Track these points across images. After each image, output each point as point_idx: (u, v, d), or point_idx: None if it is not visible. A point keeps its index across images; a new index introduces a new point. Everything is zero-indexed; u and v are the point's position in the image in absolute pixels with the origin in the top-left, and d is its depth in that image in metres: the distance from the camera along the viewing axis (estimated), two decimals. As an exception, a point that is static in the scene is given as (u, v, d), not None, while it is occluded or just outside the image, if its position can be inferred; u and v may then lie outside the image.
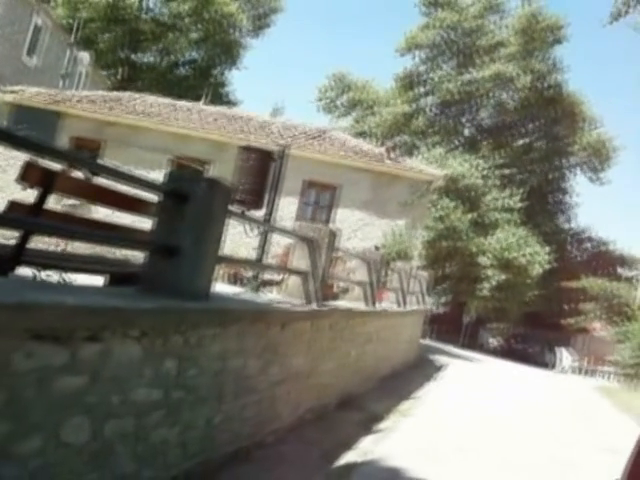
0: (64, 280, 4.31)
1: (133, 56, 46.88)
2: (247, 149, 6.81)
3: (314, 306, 7.00)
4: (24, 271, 4.14)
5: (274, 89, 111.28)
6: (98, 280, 5.24)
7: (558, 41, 44.10)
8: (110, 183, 4.21)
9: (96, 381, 3.39)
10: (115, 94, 24.50)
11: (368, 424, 7.83)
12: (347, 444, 6.67)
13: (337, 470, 5.78)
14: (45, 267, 4.30)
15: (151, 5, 46.66)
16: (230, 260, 7.64)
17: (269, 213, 7.16)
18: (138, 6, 45.15)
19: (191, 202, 4.33)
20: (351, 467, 5.87)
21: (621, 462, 7.90)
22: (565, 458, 8.04)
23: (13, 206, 3.75)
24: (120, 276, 5.31)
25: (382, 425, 7.96)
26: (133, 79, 45.19)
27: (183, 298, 4.27)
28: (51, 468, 3.17)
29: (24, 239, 3.75)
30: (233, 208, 5.55)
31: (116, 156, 20.03)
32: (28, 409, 2.97)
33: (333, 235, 7.36)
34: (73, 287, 3.96)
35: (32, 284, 3.76)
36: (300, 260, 7.13)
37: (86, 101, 21.71)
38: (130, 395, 3.73)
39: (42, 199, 3.77)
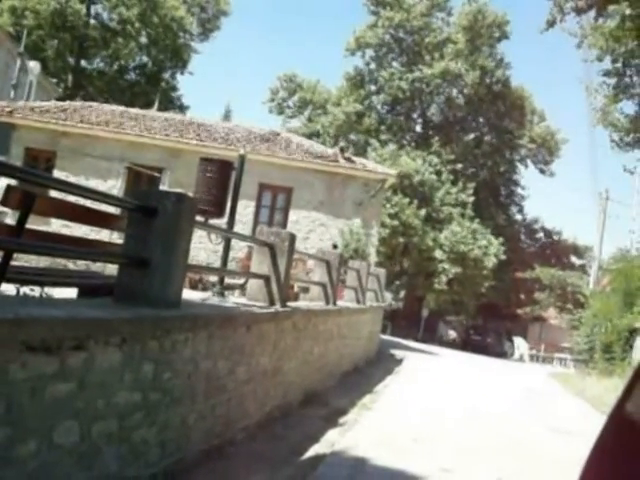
0: (45, 294, 4.57)
1: (81, 62, 46.55)
2: (207, 160, 7.09)
3: (277, 307, 7.33)
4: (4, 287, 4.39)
5: (222, 93, 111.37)
6: (71, 292, 5.50)
7: (503, 37, 44.94)
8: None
9: (83, 387, 3.67)
10: (68, 103, 24.46)
11: (332, 418, 8.17)
12: (313, 438, 7.01)
13: (306, 462, 6.12)
14: (24, 283, 4.55)
15: (99, 11, 46.37)
16: (198, 268, 7.92)
17: (230, 221, 7.46)
18: (85, 12, 44.84)
19: (160, 216, 4.62)
20: (319, 458, 6.21)
21: (572, 442, 8.40)
22: (519, 440, 8.49)
23: (-4, 227, 4.01)
24: (89, 288, 5.57)
25: (346, 418, 8.30)
26: (82, 86, 44.91)
27: (156, 306, 4.57)
28: (46, 469, 3.45)
29: (7, 258, 4.00)
30: (197, 218, 5.83)
31: (71, 166, 20.16)
32: (24, 415, 3.24)
33: (293, 238, 7.69)
34: (56, 301, 4.24)
35: (19, 299, 4.03)
36: (262, 264, 7.45)
37: (39, 111, 21.66)
38: (113, 398, 4.01)
39: (23, 220, 4.03)
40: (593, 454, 1.33)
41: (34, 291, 4.65)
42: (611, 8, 17.86)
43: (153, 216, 4.61)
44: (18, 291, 4.41)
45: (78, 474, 3.76)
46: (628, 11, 17.06)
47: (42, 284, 4.72)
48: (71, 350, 3.53)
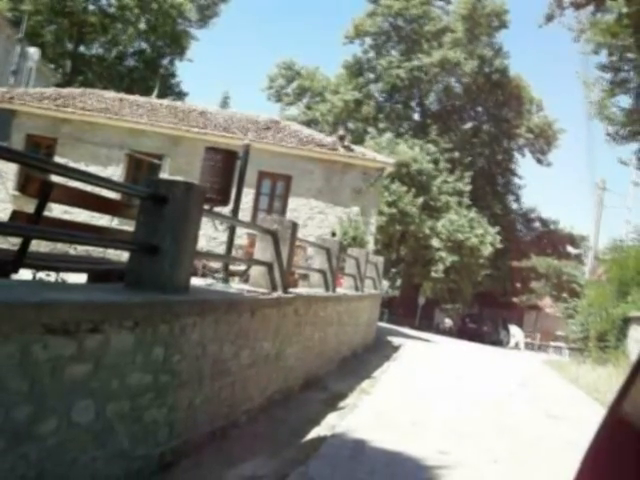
0: (61, 279, 4.73)
1: (80, 48, 46.44)
2: (213, 150, 7.25)
3: (279, 294, 7.50)
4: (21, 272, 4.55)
5: (221, 80, 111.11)
6: (79, 278, 5.66)
7: (502, 26, 44.97)
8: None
9: (98, 368, 3.84)
10: (68, 90, 24.52)
11: (332, 402, 8.36)
12: (314, 421, 7.20)
13: (307, 443, 6.30)
14: (40, 268, 4.71)
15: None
16: (205, 255, 8.08)
17: (235, 209, 7.62)
18: (84, -3, 44.71)
19: (170, 204, 4.78)
20: (320, 440, 6.39)
21: (566, 427, 8.59)
22: (514, 425, 8.68)
23: (15, 215, 4.17)
24: (100, 273, 5.73)
25: (345, 402, 8.49)
26: (81, 71, 44.84)
27: (166, 291, 4.74)
28: (64, 445, 3.62)
29: (25, 244, 4.16)
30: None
31: (71, 153, 20.28)
32: (45, 394, 3.41)
33: (295, 226, 7.85)
34: (71, 285, 4.39)
35: (38, 284, 4.18)
36: (265, 251, 7.61)
37: (40, 98, 21.75)
38: (126, 380, 4.18)
39: (41, 208, 4.18)
40: (588, 455, 1.30)
41: (50, 276, 4.81)
42: (609, 3, 18.04)
43: (163, 204, 4.76)
44: (34, 276, 4.57)
45: (93, 451, 3.93)
46: (625, 9, 17.26)
47: (57, 270, 4.88)
48: (88, 332, 3.69)
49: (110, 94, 24.54)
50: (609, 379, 13.29)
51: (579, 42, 19.95)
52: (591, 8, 18.39)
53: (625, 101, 21.72)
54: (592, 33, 18.74)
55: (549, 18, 18.56)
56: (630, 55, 19.72)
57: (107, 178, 4.26)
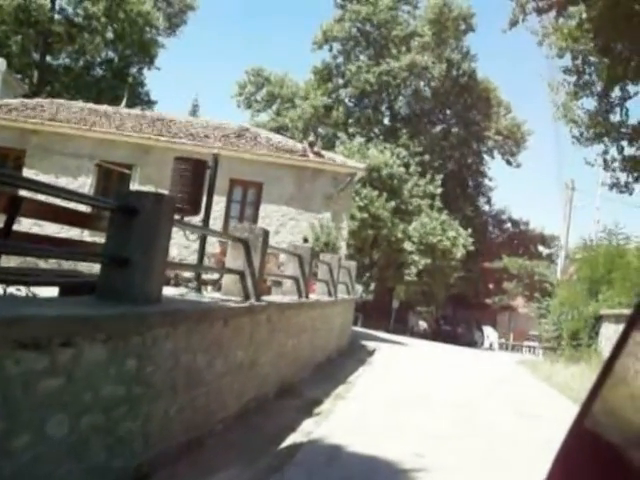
0: (32, 294, 4.72)
1: (47, 58, 46.05)
2: (182, 159, 7.26)
3: (252, 302, 7.52)
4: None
5: (190, 87, 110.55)
6: (51, 291, 5.64)
7: (469, 29, 45.36)
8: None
9: (71, 381, 3.84)
10: (36, 101, 24.33)
11: (308, 408, 8.38)
12: (290, 427, 7.22)
13: (283, 451, 6.33)
14: (10, 283, 4.69)
15: (64, 5, 45.82)
16: (176, 265, 8.09)
17: (206, 218, 7.64)
18: (50, 7, 44.33)
19: (140, 216, 4.79)
20: (296, 447, 6.42)
21: (540, 425, 8.69)
22: (489, 425, 8.76)
23: (-16, 231, 4.16)
24: (71, 287, 5.71)
25: (321, 408, 8.52)
26: (48, 82, 44.47)
27: (137, 303, 4.75)
28: (39, 460, 3.62)
29: (-5, 260, 4.16)
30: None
31: (40, 164, 20.12)
32: (19, 409, 3.41)
33: (266, 234, 7.88)
34: (43, 300, 4.39)
35: (10, 299, 4.18)
36: (236, 259, 7.63)
37: (6, 109, 21.56)
38: (99, 392, 4.18)
39: (10, 223, 4.18)
40: (556, 463, 1.30)
41: (20, 291, 4.81)
42: (571, 9, 18.34)
43: (133, 216, 4.77)
44: (4, 291, 4.56)
45: (69, 465, 3.93)
46: (585, 15, 17.60)
47: (27, 284, 4.88)
48: (60, 346, 3.69)
49: (78, 104, 24.39)
50: (582, 377, 13.44)
51: (543, 46, 20.23)
52: (554, 13, 18.67)
53: (589, 104, 22.01)
54: (555, 37, 19.05)
55: (513, 23, 18.83)
56: (592, 59, 20.03)
57: (77, 191, 4.28)
